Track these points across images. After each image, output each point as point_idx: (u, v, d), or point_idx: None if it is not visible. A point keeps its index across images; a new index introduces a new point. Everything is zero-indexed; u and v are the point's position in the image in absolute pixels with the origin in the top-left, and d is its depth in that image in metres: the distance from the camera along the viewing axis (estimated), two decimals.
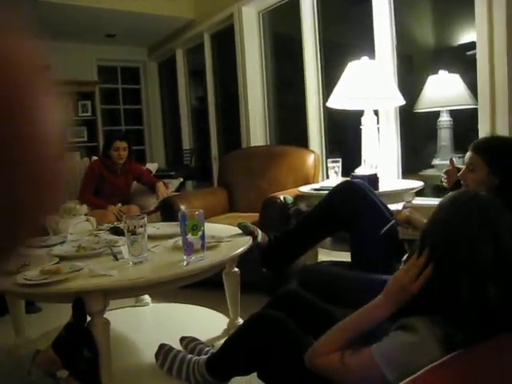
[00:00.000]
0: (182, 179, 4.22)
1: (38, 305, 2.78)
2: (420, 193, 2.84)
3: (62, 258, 1.71)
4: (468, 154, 1.68)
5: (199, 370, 1.55)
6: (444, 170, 1.99)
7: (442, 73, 2.85)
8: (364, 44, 3.35)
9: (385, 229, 1.75)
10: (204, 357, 1.59)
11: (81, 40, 6.01)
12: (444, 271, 1.04)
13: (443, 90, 2.80)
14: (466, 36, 3.02)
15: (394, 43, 3.22)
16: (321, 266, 2.24)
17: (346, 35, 4.11)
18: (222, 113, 5.46)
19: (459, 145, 2.87)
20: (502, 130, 2.35)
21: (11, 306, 2.02)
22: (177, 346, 1.74)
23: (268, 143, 4.61)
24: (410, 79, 3.35)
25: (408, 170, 3.31)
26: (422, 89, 2.92)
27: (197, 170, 5.89)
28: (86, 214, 3.54)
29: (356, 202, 1.94)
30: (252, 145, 4.52)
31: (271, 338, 1.31)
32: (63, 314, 2.49)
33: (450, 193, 1.17)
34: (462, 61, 2.97)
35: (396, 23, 3.22)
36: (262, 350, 1.33)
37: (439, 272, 1.04)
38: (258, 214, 2.79)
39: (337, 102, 2.84)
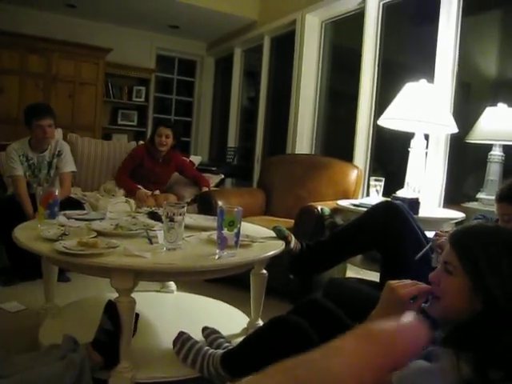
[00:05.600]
0: (223, 176, 4.26)
1: (68, 275, 2.88)
2: (460, 224, 2.78)
3: (100, 234, 1.77)
4: (498, 205, 1.58)
5: (214, 363, 1.57)
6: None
7: (501, 106, 2.78)
8: (423, 66, 3.32)
9: (420, 254, 1.72)
10: (220, 351, 1.61)
11: (144, 27, 6.17)
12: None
13: (499, 124, 2.73)
14: None
15: (455, 69, 3.16)
16: (348, 282, 2.23)
17: (407, 55, 4.07)
18: (272, 116, 5.49)
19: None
20: None
21: (45, 271, 2.09)
22: (195, 335, 1.77)
23: (313, 152, 4.61)
24: (467, 108, 3.28)
25: (450, 200, 3.24)
26: (477, 119, 2.85)
27: (238, 168, 5.94)
28: (125, 196, 3.63)
29: (394, 224, 1.92)
30: (297, 152, 4.53)
31: (291, 344, 1.32)
32: (90, 287, 2.58)
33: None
34: None
35: (460, 49, 3.16)
36: (280, 354, 1.33)
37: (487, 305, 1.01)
38: (293, 221, 2.80)
39: (388, 121, 2.81)
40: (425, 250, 1.71)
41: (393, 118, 2.76)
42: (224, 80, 6.76)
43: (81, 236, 1.67)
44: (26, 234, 1.72)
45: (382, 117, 2.80)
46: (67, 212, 2.13)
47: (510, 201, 1.51)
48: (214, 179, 4.07)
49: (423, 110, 2.63)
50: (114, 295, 1.55)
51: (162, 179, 3.87)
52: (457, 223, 2.67)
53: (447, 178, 3.28)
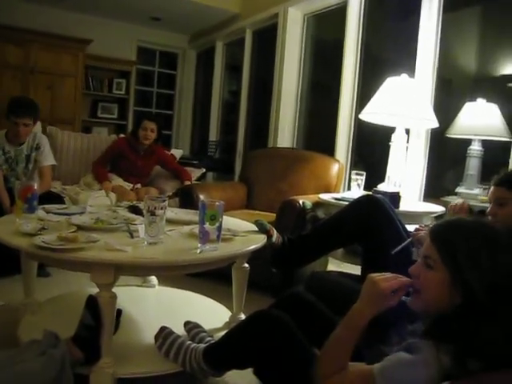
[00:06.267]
0: (204, 169, 4.24)
1: (48, 270, 2.84)
2: (439, 218, 2.81)
3: (80, 228, 1.74)
4: (495, 189, 1.65)
5: (196, 357, 1.56)
6: (454, 203, 1.96)
7: (480, 101, 2.82)
8: (405, 61, 3.34)
9: (397, 248, 1.73)
10: (203, 345, 1.61)
11: (126, 19, 6.10)
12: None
13: (479, 119, 2.77)
14: (509, 67, 2.98)
15: (436, 64, 3.20)
16: (330, 275, 2.24)
17: (388, 50, 4.10)
18: (253, 110, 5.48)
19: (486, 176, 2.83)
20: None
21: (24, 266, 2.06)
22: (177, 330, 1.76)
23: (294, 146, 4.62)
24: (447, 103, 3.32)
25: (430, 194, 3.28)
26: (457, 114, 2.89)
27: (220, 162, 5.93)
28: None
29: (375, 218, 1.94)
30: (278, 145, 4.53)
31: (273, 338, 1.32)
32: (70, 282, 2.55)
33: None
34: (503, 92, 2.94)
35: (441, 44, 3.19)
36: (262, 348, 1.34)
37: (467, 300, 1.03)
38: (274, 215, 2.80)
39: (370, 115, 2.83)
40: (403, 244, 1.72)
41: (374, 113, 2.78)
42: (206, 73, 6.72)
43: (60, 230, 1.64)
44: (3, 229, 1.68)
45: (364, 111, 2.82)
46: (46, 206, 2.09)
47: (509, 186, 1.55)
48: (195, 173, 4.05)
49: (404, 104, 2.65)
50: (95, 290, 1.53)
51: (144, 172, 3.84)
52: (436, 217, 2.70)
53: (427, 172, 3.32)
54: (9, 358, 1.49)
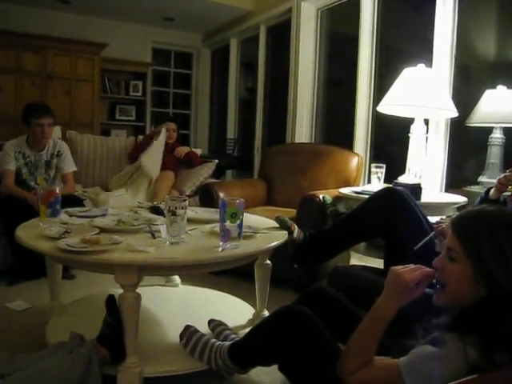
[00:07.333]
0: (217, 161, 4.25)
1: (73, 272, 2.89)
2: (462, 209, 2.77)
3: (102, 230, 1.76)
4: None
5: (221, 354, 1.57)
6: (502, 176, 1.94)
7: (501, 88, 2.76)
8: (421, 51, 3.29)
9: (419, 244, 1.71)
10: (228, 343, 1.62)
11: (139, 21, 6.13)
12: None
13: (499, 106, 2.71)
14: None
15: (454, 52, 3.14)
16: (352, 269, 2.22)
17: (404, 40, 4.04)
18: (270, 106, 5.47)
19: (509, 164, 2.77)
20: None
21: (49, 270, 2.09)
22: (201, 328, 1.77)
23: (313, 141, 4.59)
24: (466, 91, 3.26)
25: (452, 184, 3.23)
26: (477, 102, 2.84)
27: (238, 159, 5.93)
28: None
29: (397, 211, 1.92)
30: (296, 141, 4.52)
31: (297, 334, 1.31)
32: (95, 283, 2.59)
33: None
34: None
35: (458, 31, 3.13)
36: (287, 344, 1.33)
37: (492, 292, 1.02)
38: (295, 210, 2.79)
39: (387, 107, 2.79)
40: (425, 239, 1.70)
41: (392, 104, 2.74)
42: (221, 71, 6.73)
43: (83, 233, 1.67)
44: (28, 233, 1.71)
45: (381, 103, 2.79)
46: (69, 209, 2.13)
47: None
48: (208, 166, 4.05)
49: (422, 94, 2.61)
50: (119, 291, 1.55)
51: (168, 165, 3.95)
52: (459, 207, 2.66)
53: (448, 163, 3.27)
54: (37, 359, 1.53)
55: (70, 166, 3.21)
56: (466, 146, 3.49)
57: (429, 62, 3.08)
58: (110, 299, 1.63)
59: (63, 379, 1.43)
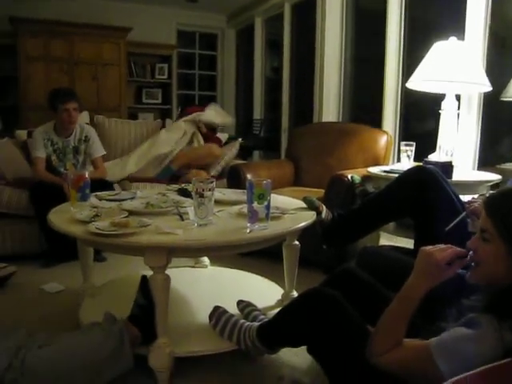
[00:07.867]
0: (240, 139, 4.21)
1: (104, 255, 2.95)
2: (496, 187, 2.68)
3: (131, 213, 1.78)
4: None
5: (250, 335, 1.58)
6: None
7: None
8: (453, 23, 3.17)
9: (451, 225, 1.67)
10: (256, 323, 1.62)
11: (163, 3, 6.11)
12: None
13: None
14: None
15: (488, 22, 3.01)
16: (381, 250, 2.20)
17: (434, 13, 3.90)
18: (296, 85, 5.40)
19: None
20: None
21: (81, 253, 2.14)
22: (230, 309, 1.78)
23: (340, 120, 4.52)
24: (502, 64, 3.13)
25: (485, 162, 3.14)
26: None
27: (265, 140, 5.90)
28: None
29: (427, 190, 1.87)
30: (324, 120, 4.45)
31: (326, 316, 1.31)
32: (126, 266, 2.63)
33: None
34: None
35: (492, 0, 3.00)
36: (315, 326, 1.33)
37: None
38: (323, 190, 2.77)
39: (417, 83, 2.71)
40: (457, 220, 1.65)
41: (422, 80, 2.66)
42: (246, 51, 6.67)
43: (113, 216, 1.69)
44: (60, 218, 1.74)
45: (411, 79, 2.71)
46: (98, 193, 2.15)
47: None
48: (232, 145, 4.04)
49: (454, 69, 2.52)
50: (149, 272, 1.57)
51: None
52: (493, 186, 2.58)
53: (481, 139, 3.16)
54: (73, 334, 1.58)
55: (98, 151, 3.23)
56: (501, 122, 3.37)
57: (461, 34, 2.97)
58: (144, 280, 1.66)
59: (95, 354, 1.47)
